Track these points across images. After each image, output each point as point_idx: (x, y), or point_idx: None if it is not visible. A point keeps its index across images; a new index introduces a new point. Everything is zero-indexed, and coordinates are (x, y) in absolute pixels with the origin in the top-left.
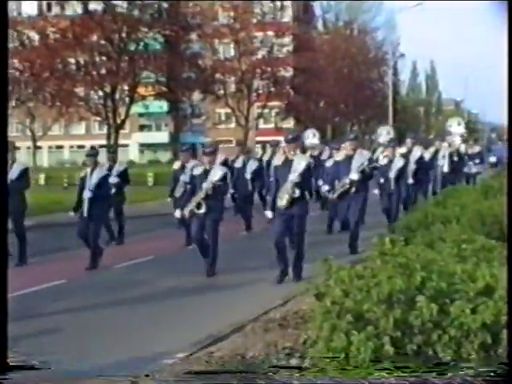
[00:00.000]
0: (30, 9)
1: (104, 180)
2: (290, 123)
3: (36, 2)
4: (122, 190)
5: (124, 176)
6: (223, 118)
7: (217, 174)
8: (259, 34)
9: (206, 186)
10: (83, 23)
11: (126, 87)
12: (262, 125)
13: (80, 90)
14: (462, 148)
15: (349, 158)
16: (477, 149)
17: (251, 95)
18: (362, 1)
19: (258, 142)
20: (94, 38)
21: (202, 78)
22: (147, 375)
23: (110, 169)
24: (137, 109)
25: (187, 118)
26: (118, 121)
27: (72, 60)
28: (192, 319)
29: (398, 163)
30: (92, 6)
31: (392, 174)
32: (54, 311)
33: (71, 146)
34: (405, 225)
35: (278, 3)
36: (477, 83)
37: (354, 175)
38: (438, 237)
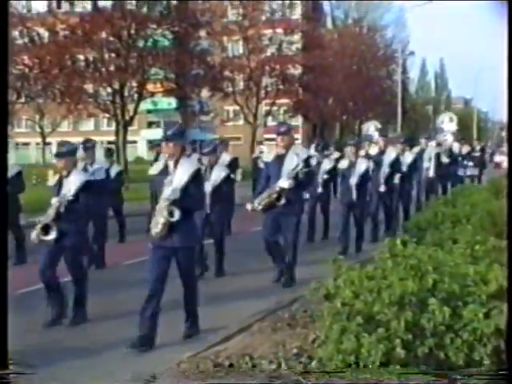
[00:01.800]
0: (39, 5)
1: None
2: (298, 121)
3: None
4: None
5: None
6: (231, 115)
7: (72, 184)
8: (268, 32)
9: (56, 201)
10: (92, 20)
11: (134, 84)
12: (270, 122)
13: (89, 87)
14: (456, 147)
15: (280, 159)
16: (467, 148)
17: (260, 93)
18: None
19: (266, 140)
20: (103, 34)
21: (210, 75)
22: (153, 377)
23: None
24: (145, 105)
25: (195, 114)
26: (127, 117)
27: (81, 57)
28: None
29: (361, 167)
30: (101, 3)
31: (353, 181)
32: None
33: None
34: (414, 224)
35: (287, 0)
36: (487, 81)
37: (284, 182)
38: (448, 237)
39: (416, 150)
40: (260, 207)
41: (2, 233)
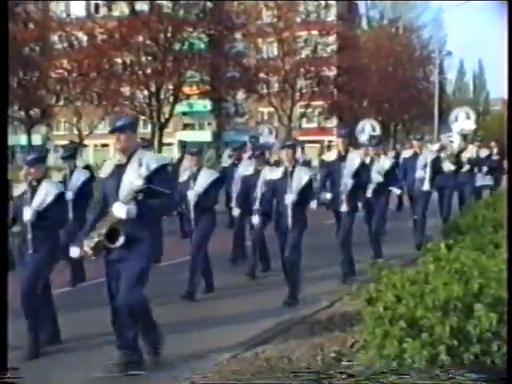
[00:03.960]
0: (78, 10)
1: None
2: (332, 123)
3: (84, 3)
4: None
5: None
6: (266, 117)
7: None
8: (303, 34)
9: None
10: (130, 24)
11: (170, 86)
12: (304, 124)
13: (126, 90)
14: (471, 151)
15: (118, 172)
16: (485, 152)
17: (295, 94)
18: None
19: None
20: (140, 38)
21: (245, 77)
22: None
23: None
24: (181, 108)
25: (230, 116)
26: (163, 119)
27: (119, 60)
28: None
29: (301, 178)
30: (138, 7)
31: (288, 199)
32: None
33: None
34: (454, 227)
35: (323, 2)
36: None
37: (119, 208)
38: (489, 241)
39: (407, 153)
40: (90, 251)
41: (2, 233)
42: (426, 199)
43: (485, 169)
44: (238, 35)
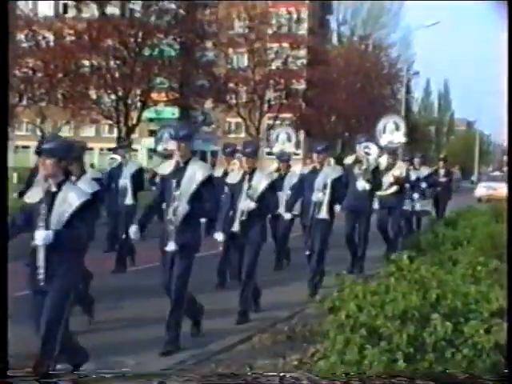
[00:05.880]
0: (46, 10)
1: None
2: (300, 136)
3: (52, 3)
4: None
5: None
6: (233, 127)
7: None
8: (274, 45)
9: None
10: (100, 26)
11: (138, 92)
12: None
13: (93, 93)
14: (400, 169)
15: None
16: (425, 171)
17: (263, 106)
18: (379, 17)
19: (268, 154)
20: (110, 41)
21: (215, 87)
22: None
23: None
24: (148, 114)
25: (198, 125)
26: (130, 125)
27: (86, 62)
28: None
29: (69, 203)
30: (109, 10)
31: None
32: None
33: None
34: (413, 244)
35: (295, 15)
36: (491, 104)
37: None
38: (447, 258)
39: (306, 169)
40: None
41: (2, 233)
42: (324, 230)
43: (423, 191)
44: (208, 44)
